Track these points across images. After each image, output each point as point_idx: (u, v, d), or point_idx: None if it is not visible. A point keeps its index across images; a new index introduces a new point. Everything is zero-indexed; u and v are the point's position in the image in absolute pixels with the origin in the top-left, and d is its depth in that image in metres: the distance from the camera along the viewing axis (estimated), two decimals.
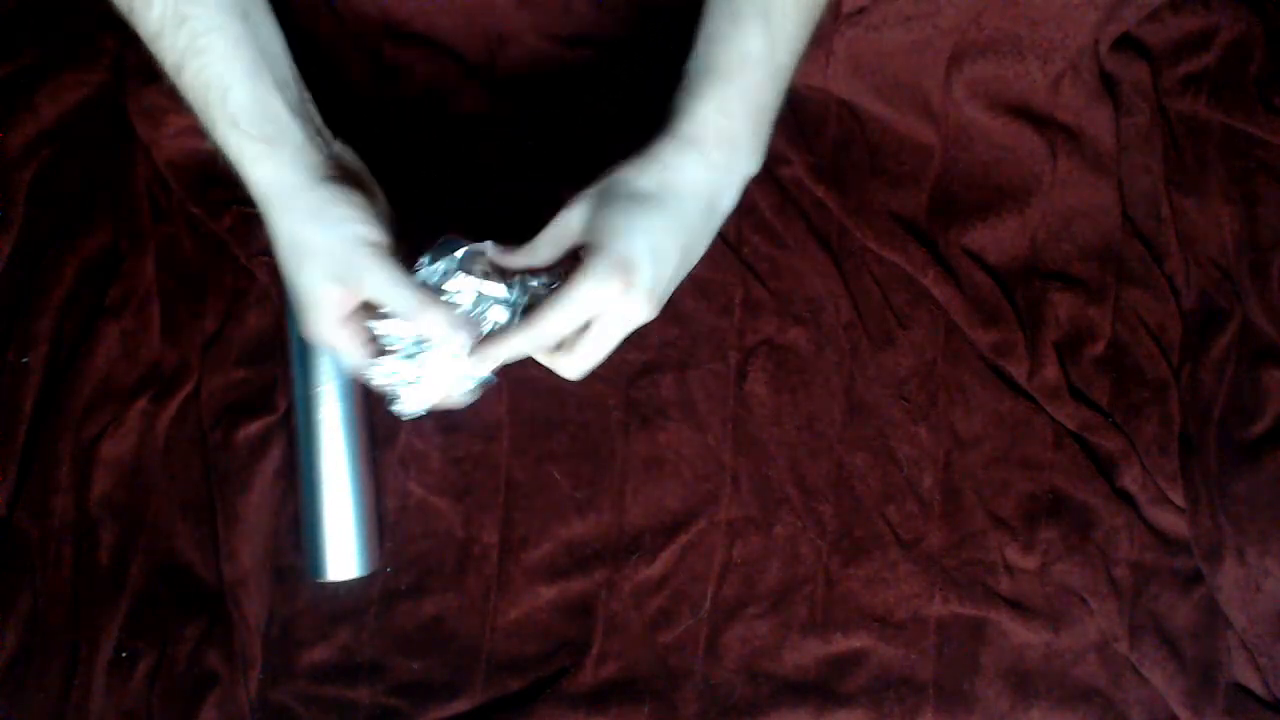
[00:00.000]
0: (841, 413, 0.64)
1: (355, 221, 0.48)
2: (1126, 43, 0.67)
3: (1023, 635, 0.62)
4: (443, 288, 0.50)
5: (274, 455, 0.61)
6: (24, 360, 0.61)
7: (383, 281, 0.47)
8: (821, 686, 0.61)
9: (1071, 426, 0.64)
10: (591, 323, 0.48)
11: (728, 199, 0.50)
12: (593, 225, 0.47)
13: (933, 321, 0.65)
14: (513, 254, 0.50)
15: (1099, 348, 0.65)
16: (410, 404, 0.53)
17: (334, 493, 0.59)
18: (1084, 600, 0.62)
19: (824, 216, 0.66)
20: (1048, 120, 0.66)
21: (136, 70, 0.63)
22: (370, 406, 0.62)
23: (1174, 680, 0.61)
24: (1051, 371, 0.64)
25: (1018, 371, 0.64)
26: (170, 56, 0.48)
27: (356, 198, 0.49)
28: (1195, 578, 0.63)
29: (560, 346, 0.50)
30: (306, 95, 0.52)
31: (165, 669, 0.59)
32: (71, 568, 0.60)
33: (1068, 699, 0.62)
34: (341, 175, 0.50)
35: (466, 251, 0.51)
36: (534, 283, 0.52)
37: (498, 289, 0.50)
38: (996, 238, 0.66)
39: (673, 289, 0.49)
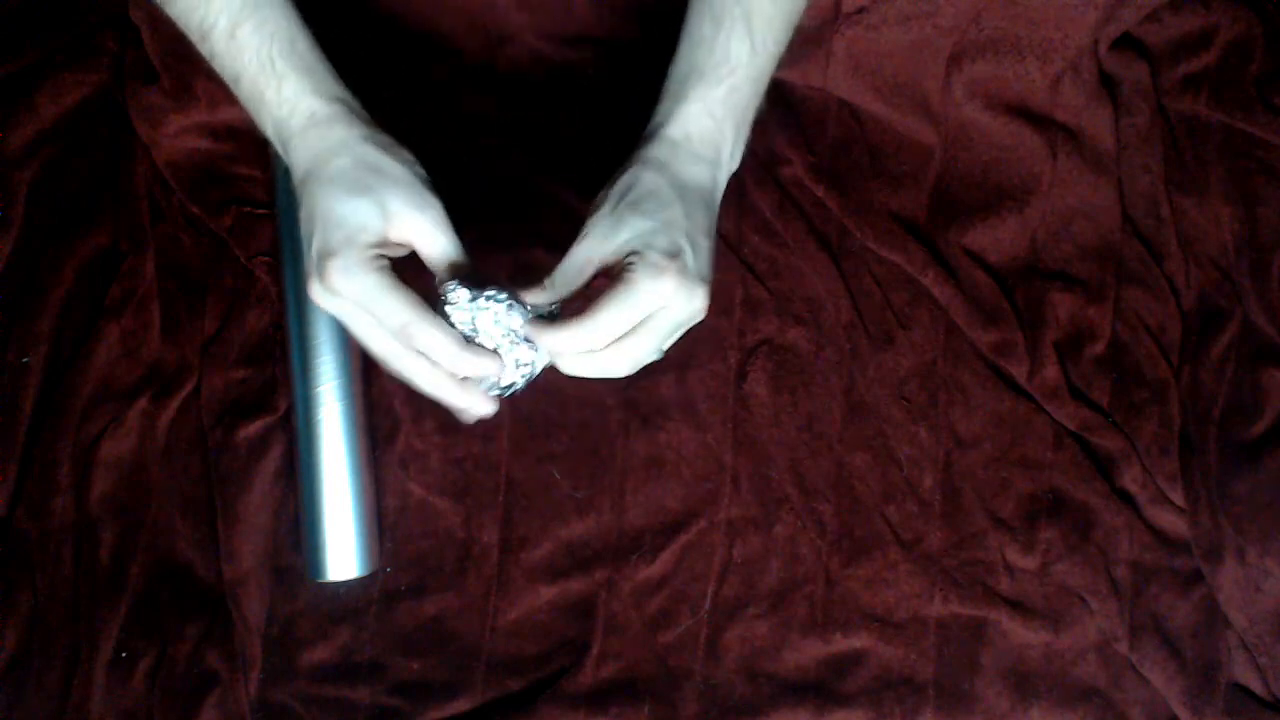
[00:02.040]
0: (841, 413, 0.64)
1: (406, 154, 0.49)
2: (1126, 43, 0.67)
3: (1023, 635, 0.62)
4: (474, 323, 0.48)
5: (274, 455, 0.61)
6: (24, 360, 0.61)
7: (430, 204, 0.48)
8: (821, 686, 0.61)
9: (1071, 426, 0.64)
10: (646, 319, 0.47)
11: (718, 196, 0.51)
12: (623, 238, 0.46)
13: (933, 321, 0.65)
14: (535, 294, 0.49)
15: (1099, 348, 0.65)
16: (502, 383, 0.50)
17: (334, 493, 0.59)
18: (1084, 600, 0.62)
19: (824, 216, 0.66)
20: (1047, 120, 0.66)
21: (136, 70, 0.63)
22: (370, 407, 0.62)
23: (1174, 680, 0.61)
24: (1051, 371, 0.64)
25: (1018, 371, 0.64)
26: (224, 18, 0.48)
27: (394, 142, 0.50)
28: (1195, 578, 0.63)
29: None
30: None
31: (165, 669, 0.59)
32: (71, 568, 0.60)
33: (1068, 699, 0.62)
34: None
35: (496, 295, 0.49)
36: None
37: (514, 320, 0.48)
38: (996, 238, 0.66)
39: (707, 269, 0.48)
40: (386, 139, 0.49)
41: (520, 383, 0.50)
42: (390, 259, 0.48)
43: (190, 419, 0.62)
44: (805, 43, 0.65)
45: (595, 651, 0.61)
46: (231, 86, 0.51)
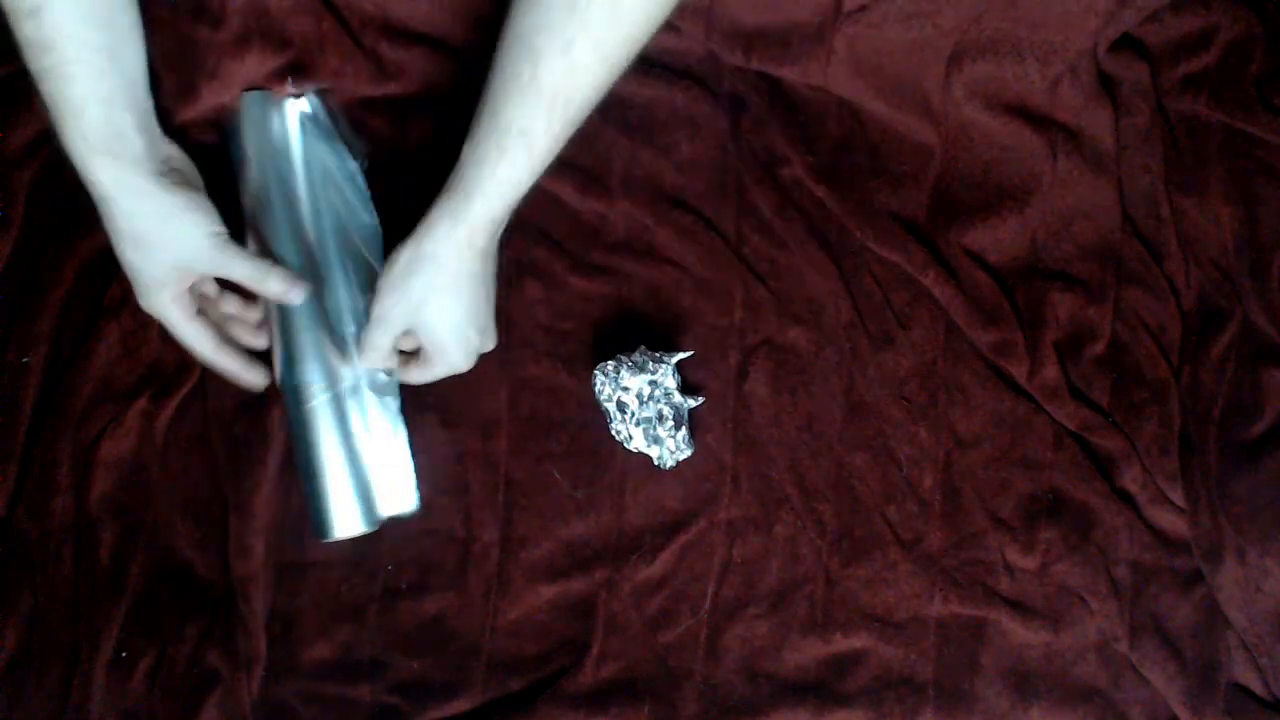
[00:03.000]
0: (841, 413, 0.64)
1: (197, 216, 0.55)
2: (1126, 43, 0.67)
3: (1023, 635, 0.62)
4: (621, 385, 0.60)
5: (277, 451, 0.61)
6: (24, 360, 0.61)
7: (231, 261, 0.56)
8: (821, 686, 0.61)
9: (1071, 426, 0.64)
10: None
11: (494, 250, 0.56)
12: (420, 329, 0.56)
13: (933, 321, 0.65)
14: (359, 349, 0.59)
15: (1099, 348, 0.65)
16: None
17: (325, 450, 0.58)
18: (1084, 600, 0.62)
19: (824, 216, 0.66)
20: (1048, 120, 0.66)
21: None
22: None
23: (1174, 680, 0.61)
24: (1051, 371, 0.64)
25: (1018, 371, 0.64)
26: (33, 66, 0.52)
27: (193, 194, 0.56)
28: (1195, 578, 0.63)
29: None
30: (150, 104, 0.57)
31: (165, 669, 0.59)
32: (71, 568, 0.60)
33: (1068, 699, 0.62)
34: (172, 173, 0.56)
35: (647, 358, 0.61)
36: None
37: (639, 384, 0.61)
38: (996, 238, 0.66)
39: (491, 312, 0.58)
40: (166, 194, 0.54)
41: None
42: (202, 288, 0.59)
43: (190, 419, 0.62)
44: (805, 40, 0.65)
45: (595, 651, 0.61)
46: (37, 85, 0.53)
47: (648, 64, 0.66)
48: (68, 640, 0.59)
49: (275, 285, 0.57)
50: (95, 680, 0.58)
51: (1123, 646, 0.62)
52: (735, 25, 0.65)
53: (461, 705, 0.60)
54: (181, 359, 0.63)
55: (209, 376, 0.62)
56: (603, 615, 0.61)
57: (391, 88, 0.64)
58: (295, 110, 0.61)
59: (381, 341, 0.57)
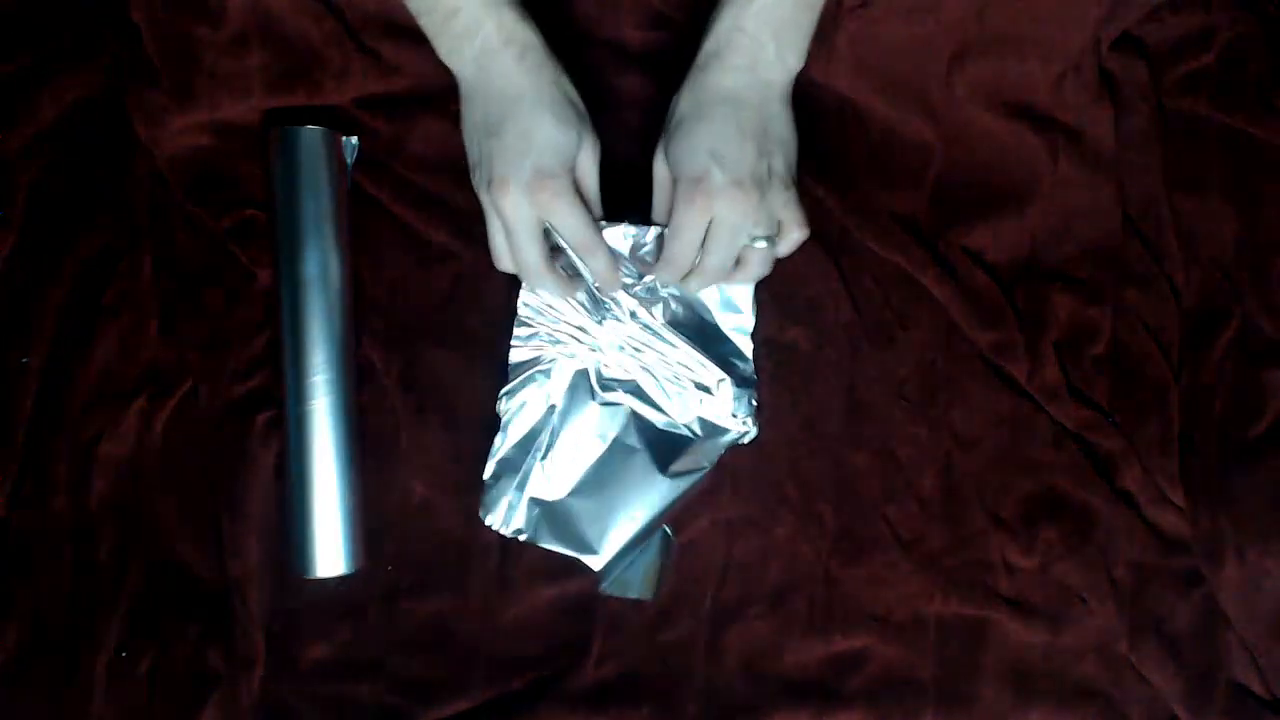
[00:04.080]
0: (841, 413, 0.64)
1: (584, 114, 0.56)
2: (1126, 42, 0.67)
3: (1023, 635, 0.62)
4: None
5: (274, 452, 0.61)
6: (24, 360, 0.61)
7: (594, 171, 0.57)
8: (821, 686, 0.61)
9: (1071, 426, 0.64)
10: (709, 233, 0.55)
11: (764, 96, 0.55)
12: (666, 165, 0.56)
13: (933, 321, 0.65)
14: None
15: (1099, 348, 0.65)
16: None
17: (321, 489, 0.59)
18: (1084, 600, 0.62)
19: (824, 216, 0.66)
20: (1048, 120, 0.66)
21: (136, 70, 0.63)
22: (361, 407, 0.62)
23: (1174, 680, 0.61)
24: (1051, 371, 0.64)
25: (1018, 371, 0.64)
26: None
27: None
28: (1195, 578, 0.63)
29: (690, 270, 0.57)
30: None
31: (165, 669, 0.59)
32: (71, 568, 0.60)
33: (1068, 699, 0.62)
34: None
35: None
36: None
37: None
38: (996, 238, 0.66)
39: (778, 168, 0.55)
40: (572, 87, 0.56)
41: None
42: None
43: (188, 419, 0.62)
44: None
45: (595, 651, 0.61)
46: (434, 24, 0.55)
47: (649, 63, 0.66)
48: (68, 640, 0.59)
49: (595, 183, 0.57)
50: (95, 680, 0.58)
51: (1123, 646, 0.62)
52: None
53: (461, 705, 0.60)
54: (180, 358, 0.63)
55: (202, 377, 0.62)
56: (603, 615, 0.61)
57: (392, 87, 0.64)
58: (348, 148, 0.63)
59: (660, 200, 0.57)
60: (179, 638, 0.60)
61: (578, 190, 0.56)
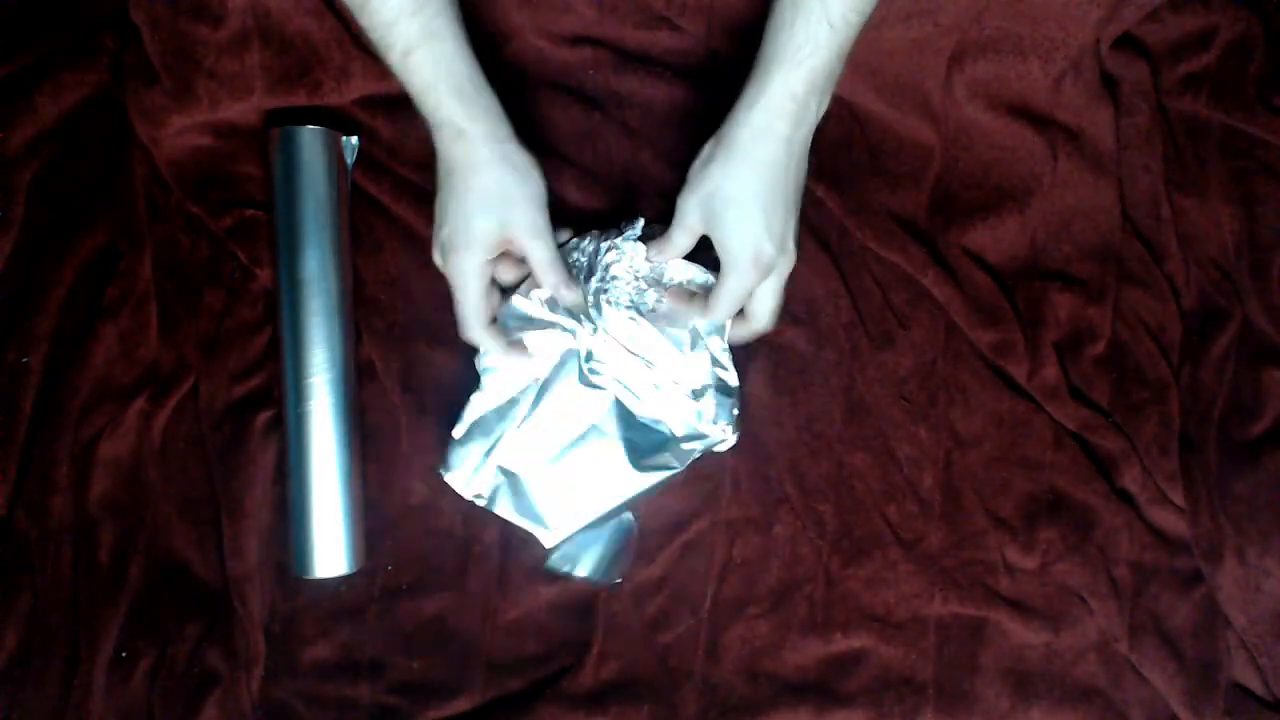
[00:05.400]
0: (841, 413, 0.64)
1: (538, 176, 0.57)
2: (1126, 42, 0.67)
3: (1023, 635, 0.62)
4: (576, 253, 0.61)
5: (273, 452, 0.61)
6: (24, 360, 0.61)
7: (543, 232, 0.57)
8: (821, 686, 0.61)
9: (1071, 426, 0.64)
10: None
11: (800, 150, 0.56)
12: (711, 224, 0.56)
13: (933, 321, 0.65)
14: (656, 248, 0.60)
15: (1099, 348, 0.65)
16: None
17: (321, 489, 0.59)
18: (1084, 600, 0.62)
19: (824, 216, 0.66)
20: (1048, 120, 0.66)
21: (136, 70, 0.63)
22: (362, 407, 0.62)
23: (1174, 680, 0.61)
24: (1051, 371, 0.64)
25: (1018, 371, 0.64)
26: (402, 40, 0.54)
27: (532, 158, 0.57)
28: (1195, 578, 0.63)
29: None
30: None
31: (165, 669, 0.59)
32: (71, 568, 0.60)
33: (1068, 699, 0.62)
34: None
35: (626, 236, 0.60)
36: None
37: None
38: (996, 238, 0.66)
39: (792, 229, 0.57)
40: (523, 160, 0.56)
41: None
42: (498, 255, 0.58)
43: (188, 419, 0.62)
44: None
45: (595, 651, 0.61)
46: (402, 58, 0.56)
47: (648, 63, 0.66)
48: (68, 640, 0.59)
49: (556, 278, 0.58)
50: (95, 680, 0.58)
51: (1123, 646, 0.62)
52: (737, 24, 0.65)
53: (461, 705, 0.60)
54: (179, 358, 0.63)
55: (202, 377, 0.62)
56: (603, 615, 0.61)
57: (392, 87, 0.64)
58: (348, 148, 0.64)
59: (680, 240, 0.58)
60: (179, 638, 0.60)
61: (517, 251, 0.58)
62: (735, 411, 0.61)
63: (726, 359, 0.60)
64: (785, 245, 0.56)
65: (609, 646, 0.61)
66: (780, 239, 0.56)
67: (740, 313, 0.59)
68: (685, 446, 0.60)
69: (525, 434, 0.60)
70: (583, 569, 0.60)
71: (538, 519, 0.59)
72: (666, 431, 0.60)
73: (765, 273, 0.56)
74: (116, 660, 0.59)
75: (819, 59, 0.53)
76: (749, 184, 0.55)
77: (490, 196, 0.55)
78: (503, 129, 0.56)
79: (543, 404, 0.60)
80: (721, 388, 0.60)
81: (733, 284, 0.56)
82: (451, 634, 0.61)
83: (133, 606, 0.60)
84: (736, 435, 0.61)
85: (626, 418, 0.60)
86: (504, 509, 0.59)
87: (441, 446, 0.62)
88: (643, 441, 0.60)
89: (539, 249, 0.57)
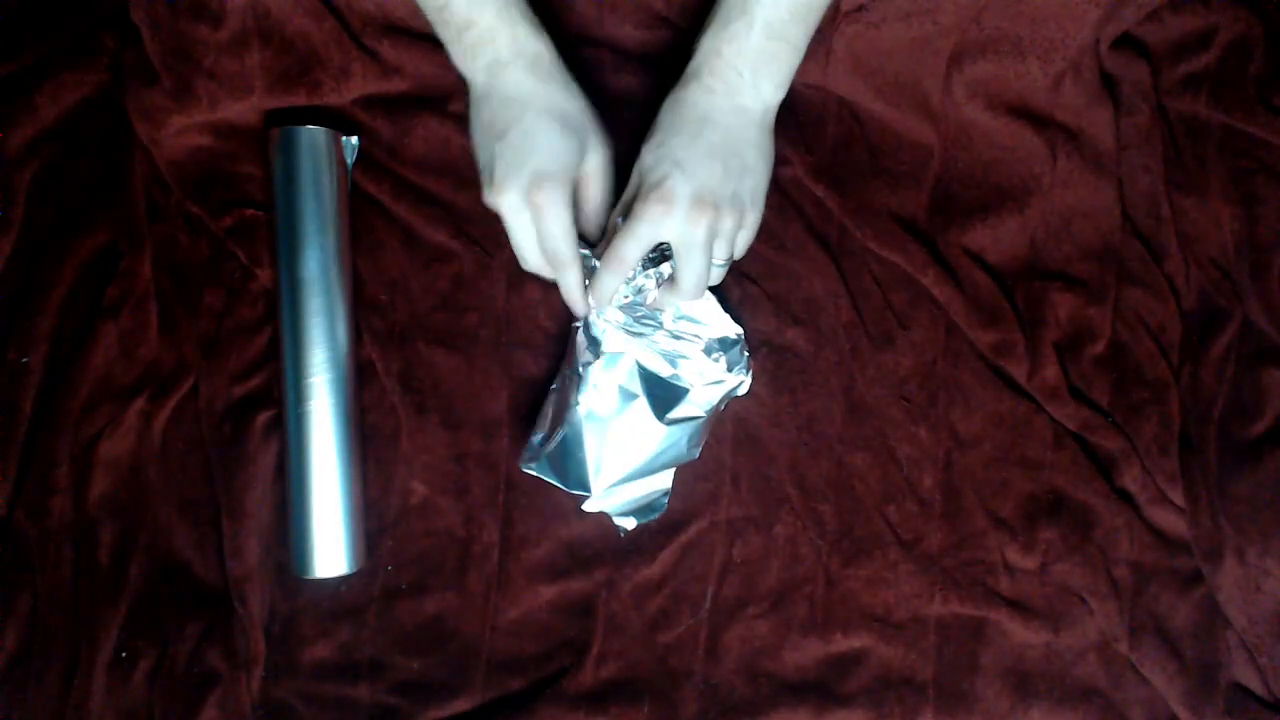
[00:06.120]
0: (841, 413, 0.64)
1: (597, 118, 0.58)
2: (1126, 42, 0.67)
3: (1023, 635, 0.62)
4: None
5: (273, 452, 0.61)
6: (24, 360, 0.61)
7: (605, 171, 0.58)
8: (821, 686, 0.61)
9: (1071, 426, 0.64)
10: (670, 251, 0.57)
11: (738, 120, 0.57)
12: (637, 174, 0.57)
13: (933, 321, 0.65)
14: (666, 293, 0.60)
15: (1099, 348, 0.65)
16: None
17: (322, 488, 0.59)
18: (1084, 600, 0.62)
19: (824, 216, 0.66)
20: (1048, 120, 0.66)
21: (136, 70, 0.63)
22: (361, 407, 0.62)
23: (1174, 680, 0.61)
24: (1051, 371, 0.64)
25: (1018, 371, 0.64)
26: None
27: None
28: (1195, 578, 0.63)
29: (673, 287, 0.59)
30: None
31: (165, 669, 0.59)
32: (71, 568, 0.60)
33: (1068, 699, 0.62)
34: None
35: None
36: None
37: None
38: (996, 238, 0.66)
39: (742, 193, 0.56)
40: (583, 96, 0.58)
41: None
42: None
43: (188, 418, 0.62)
44: None
45: (595, 651, 0.61)
46: (449, 34, 0.57)
47: (648, 63, 0.66)
48: (68, 640, 0.59)
49: (605, 193, 0.58)
50: (95, 680, 0.58)
51: (1123, 646, 0.62)
52: None
53: (461, 705, 0.61)
54: (179, 358, 0.63)
55: (202, 377, 0.62)
56: (603, 615, 0.61)
57: (391, 87, 0.64)
58: (348, 148, 0.64)
59: (634, 179, 0.57)
60: (179, 638, 0.60)
61: (576, 198, 0.57)
62: (745, 353, 0.62)
63: (718, 312, 0.62)
64: (739, 202, 0.56)
65: (609, 646, 0.61)
66: (697, 178, 0.54)
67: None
68: (705, 393, 0.61)
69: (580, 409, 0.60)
70: (565, 482, 0.60)
71: (579, 482, 0.60)
72: (686, 384, 0.61)
73: (670, 204, 0.54)
74: (116, 660, 0.59)
75: (750, 19, 0.54)
76: (675, 117, 0.56)
77: (572, 120, 0.56)
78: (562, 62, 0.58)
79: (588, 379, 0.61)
80: (724, 342, 0.62)
81: (636, 213, 0.55)
82: (451, 634, 0.61)
83: (133, 606, 0.60)
84: (750, 376, 0.62)
85: (648, 376, 0.61)
86: (547, 474, 0.60)
87: (441, 446, 0.62)
88: (666, 396, 0.61)
89: (599, 184, 0.58)
